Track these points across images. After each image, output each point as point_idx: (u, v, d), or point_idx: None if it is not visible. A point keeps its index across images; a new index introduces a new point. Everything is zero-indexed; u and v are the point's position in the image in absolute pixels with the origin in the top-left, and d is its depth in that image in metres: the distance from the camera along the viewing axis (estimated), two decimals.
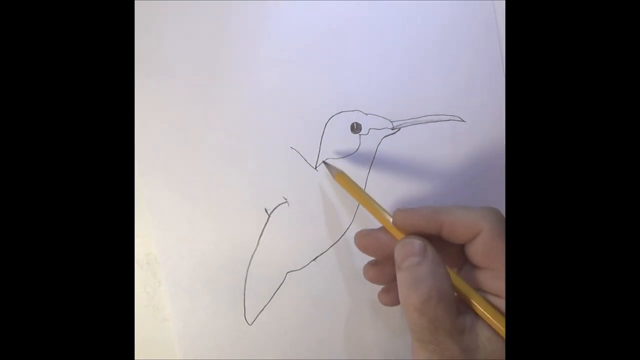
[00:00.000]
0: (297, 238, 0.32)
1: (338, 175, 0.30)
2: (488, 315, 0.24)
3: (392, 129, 0.33)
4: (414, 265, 0.24)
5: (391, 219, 0.27)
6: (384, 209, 0.28)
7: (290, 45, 0.33)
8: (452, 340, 0.23)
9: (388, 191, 0.33)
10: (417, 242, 0.25)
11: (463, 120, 0.33)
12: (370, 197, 0.28)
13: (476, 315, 0.24)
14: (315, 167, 0.33)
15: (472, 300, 0.25)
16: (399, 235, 0.27)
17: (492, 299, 0.25)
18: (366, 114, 0.33)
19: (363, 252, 0.29)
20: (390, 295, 0.29)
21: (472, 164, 0.33)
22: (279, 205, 0.32)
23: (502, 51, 0.33)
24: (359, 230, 0.29)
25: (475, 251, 0.25)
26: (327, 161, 0.32)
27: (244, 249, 0.32)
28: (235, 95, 0.33)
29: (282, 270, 0.32)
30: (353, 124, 0.33)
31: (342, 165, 0.33)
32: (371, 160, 0.33)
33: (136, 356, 0.31)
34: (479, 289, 0.25)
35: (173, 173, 0.32)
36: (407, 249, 0.25)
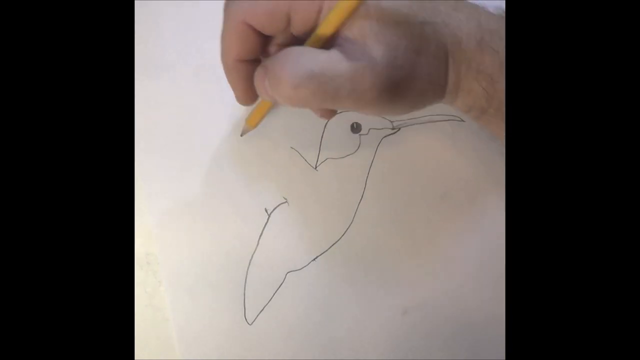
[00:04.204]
0: (297, 238, 0.32)
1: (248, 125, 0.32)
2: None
3: (392, 129, 0.33)
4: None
5: None
6: None
7: None
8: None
9: (388, 191, 0.33)
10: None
11: (463, 120, 0.33)
12: None
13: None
14: (316, 167, 0.33)
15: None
16: None
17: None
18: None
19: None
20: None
21: (472, 164, 0.33)
22: (279, 205, 0.32)
23: None
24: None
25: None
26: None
27: (244, 249, 0.32)
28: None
29: (282, 270, 0.32)
30: (353, 124, 0.33)
31: (342, 165, 0.33)
32: (371, 160, 0.33)
33: (136, 356, 0.31)
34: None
35: (173, 173, 0.32)
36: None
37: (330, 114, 0.30)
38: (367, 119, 0.33)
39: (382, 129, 0.33)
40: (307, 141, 0.33)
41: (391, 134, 0.33)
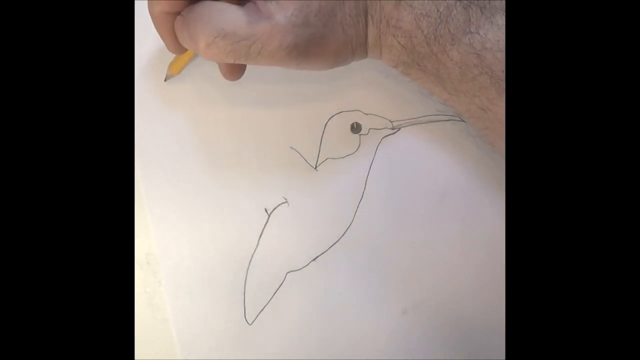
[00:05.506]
0: (297, 238, 0.32)
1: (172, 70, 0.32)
2: None
3: (392, 129, 0.33)
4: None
5: None
6: None
7: None
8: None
9: (388, 191, 0.33)
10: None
11: (463, 120, 0.33)
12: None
13: None
14: (316, 167, 0.33)
15: None
16: None
17: None
18: (366, 114, 0.33)
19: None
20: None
21: (472, 164, 0.33)
22: (279, 205, 0.32)
23: None
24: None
25: None
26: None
27: (244, 249, 0.32)
28: (235, 95, 0.33)
29: (282, 270, 0.32)
30: (353, 124, 0.33)
31: (342, 165, 0.33)
32: (371, 160, 0.33)
33: (136, 356, 0.31)
34: None
35: (173, 173, 0.32)
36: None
37: (234, 74, 0.30)
38: (367, 119, 0.33)
39: (382, 129, 0.33)
40: (307, 141, 0.33)
41: (391, 134, 0.33)
